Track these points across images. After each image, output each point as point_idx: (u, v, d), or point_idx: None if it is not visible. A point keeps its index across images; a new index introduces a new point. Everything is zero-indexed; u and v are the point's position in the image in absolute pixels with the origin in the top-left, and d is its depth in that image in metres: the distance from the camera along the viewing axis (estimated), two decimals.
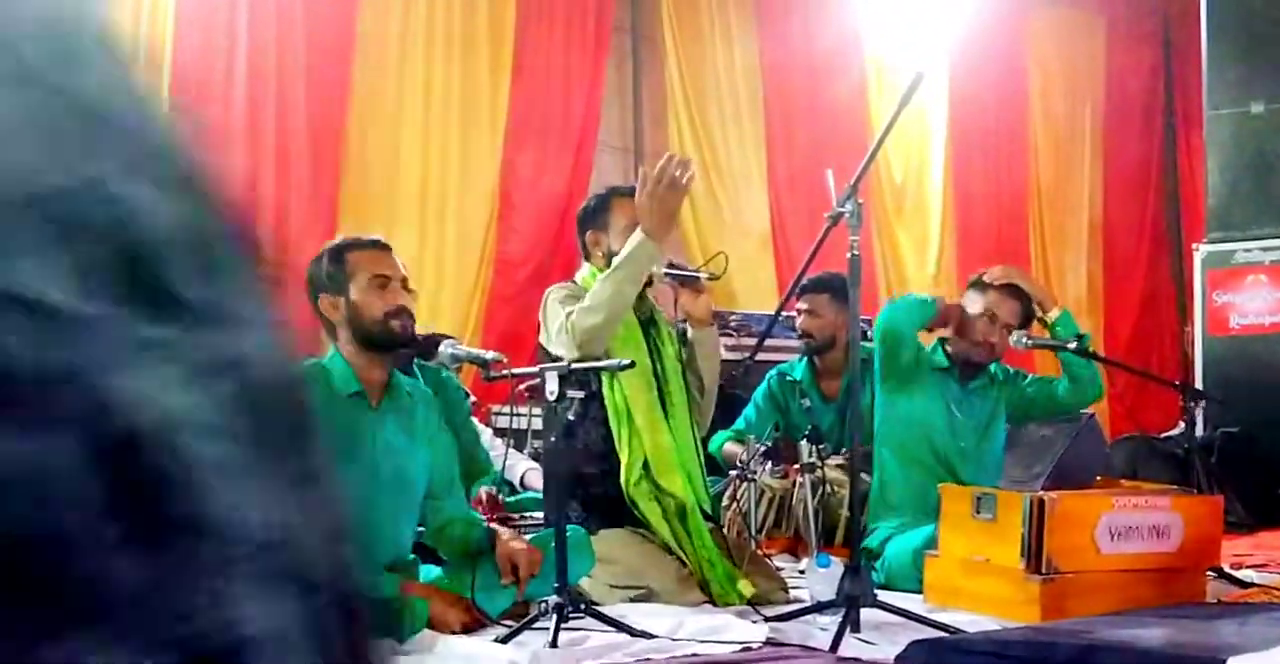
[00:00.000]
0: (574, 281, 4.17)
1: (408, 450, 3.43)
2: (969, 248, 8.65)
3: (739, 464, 4.88)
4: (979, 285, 4.62)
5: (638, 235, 3.83)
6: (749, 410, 5.43)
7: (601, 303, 3.82)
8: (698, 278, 4.18)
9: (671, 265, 4.19)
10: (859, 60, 8.72)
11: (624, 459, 3.94)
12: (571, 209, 7.83)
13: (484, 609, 3.31)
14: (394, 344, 3.38)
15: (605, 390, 3.92)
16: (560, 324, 3.85)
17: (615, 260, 3.89)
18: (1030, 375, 4.90)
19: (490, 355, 3.28)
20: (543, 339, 4.02)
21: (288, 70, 6.84)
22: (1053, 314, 4.63)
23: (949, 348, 4.62)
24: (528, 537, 3.54)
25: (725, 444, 5.27)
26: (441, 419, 3.60)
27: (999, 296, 4.55)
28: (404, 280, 3.44)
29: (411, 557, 3.53)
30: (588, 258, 4.21)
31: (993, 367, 4.71)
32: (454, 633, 3.19)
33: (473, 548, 3.45)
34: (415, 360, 4.19)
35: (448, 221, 7.29)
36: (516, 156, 7.55)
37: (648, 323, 4.14)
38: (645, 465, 3.95)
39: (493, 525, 3.57)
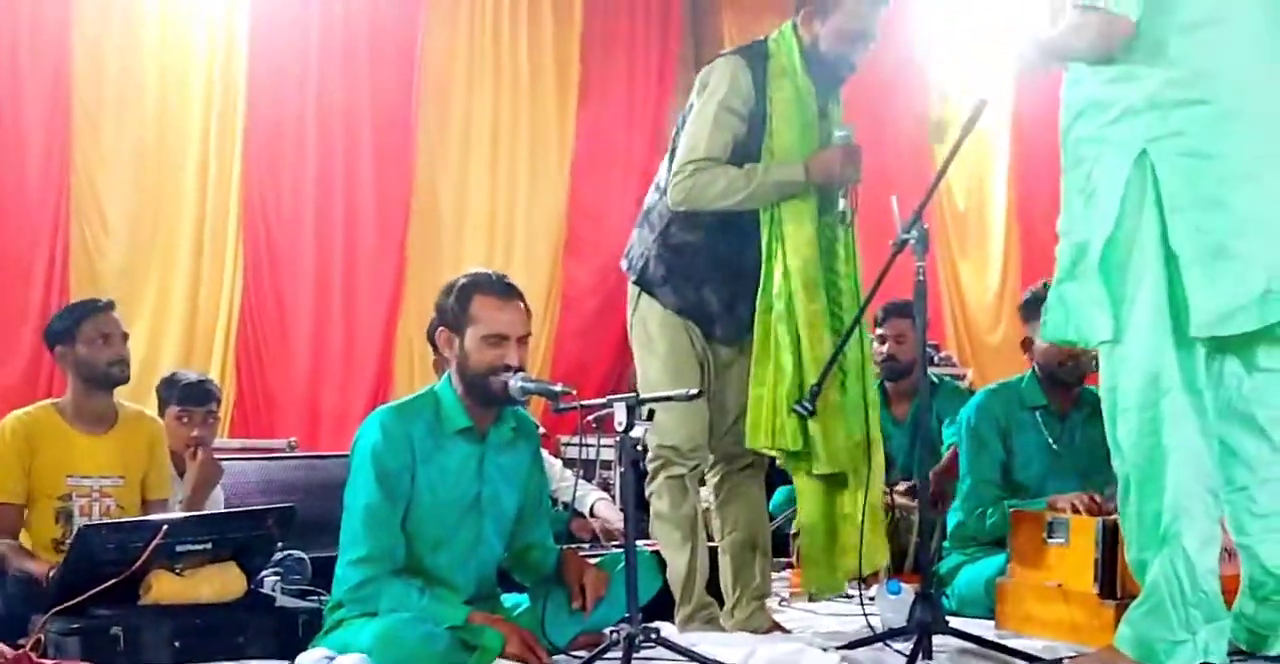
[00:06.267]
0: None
1: (506, 481, 3.44)
2: (1036, 273, 8.56)
3: None
4: (1033, 307, 4.24)
5: (799, 170, 3.92)
6: None
7: (721, 191, 3.77)
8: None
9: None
10: (921, 86, 8.69)
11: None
12: None
13: (551, 639, 3.31)
14: (487, 400, 3.35)
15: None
16: (686, 162, 3.77)
17: (769, 171, 3.87)
18: None
19: (559, 388, 3.27)
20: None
21: (355, 106, 6.95)
22: None
23: (1040, 373, 4.35)
24: (593, 561, 3.55)
25: None
26: (540, 451, 3.61)
27: None
28: (523, 337, 3.34)
29: (497, 589, 3.55)
30: None
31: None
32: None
33: (546, 573, 3.48)
34: None
35: (515, 254, 7.35)
36: (583, 189, 7.60)
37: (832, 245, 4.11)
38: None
39: (563, 550, 3.58)
